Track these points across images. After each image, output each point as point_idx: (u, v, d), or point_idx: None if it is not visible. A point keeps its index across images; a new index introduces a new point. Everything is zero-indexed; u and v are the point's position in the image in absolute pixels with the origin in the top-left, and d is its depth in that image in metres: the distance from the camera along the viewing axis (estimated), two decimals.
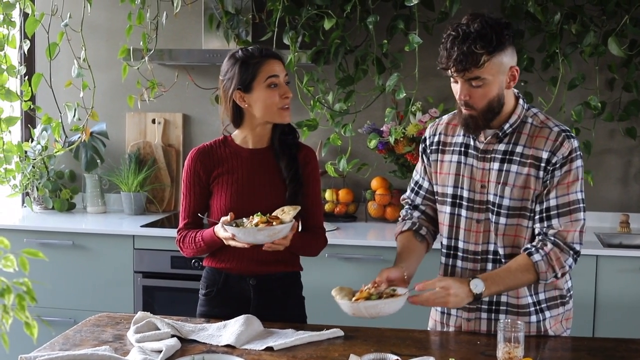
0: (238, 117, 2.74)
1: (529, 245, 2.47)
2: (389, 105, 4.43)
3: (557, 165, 2.44)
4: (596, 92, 4.24)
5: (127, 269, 4.21)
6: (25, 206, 4.94)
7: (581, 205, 2.47)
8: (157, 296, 4.18)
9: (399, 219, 2.78)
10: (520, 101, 2.52)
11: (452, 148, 2.62)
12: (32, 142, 4.80)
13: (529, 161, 2.46)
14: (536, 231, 2.49)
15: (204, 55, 4.49)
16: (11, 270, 1.39)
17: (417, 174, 2.76)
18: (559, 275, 2.45)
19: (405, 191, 2.82)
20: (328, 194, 4.57)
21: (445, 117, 2.70)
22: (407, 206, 2.79)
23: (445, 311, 2.67)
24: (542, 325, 2.56)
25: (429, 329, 2.75)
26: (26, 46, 4.47)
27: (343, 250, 4.00)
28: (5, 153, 4.59)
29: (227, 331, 2.50)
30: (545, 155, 2.45)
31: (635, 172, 4.49)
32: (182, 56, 4.55)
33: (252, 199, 2.70)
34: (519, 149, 2.48)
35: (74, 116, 4.38)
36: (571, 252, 2.45)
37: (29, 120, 4.99)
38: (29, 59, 4.87)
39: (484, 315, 2.58)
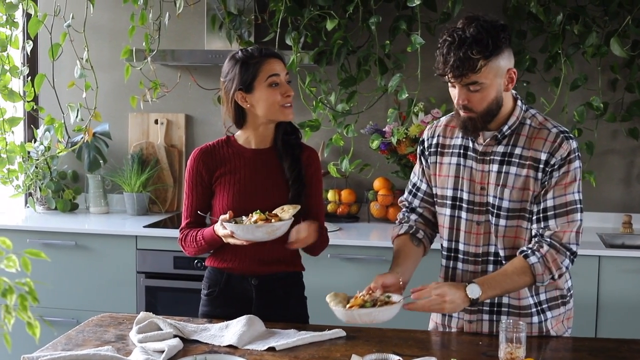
0: (240, 117, 2.74)
1: (524, 248, 2.46)
2: (392, 106, 4.43)
3: (556, 167, 2.43)
4: (598, 92, 4.24)
5: (129, 270, 4.22)
6: (28, 206, 4.94)
7: (578, 206, 2.47)
8: (160, 296, 4.19)
9: (396, 222, 2.77)
10: (519, 102, 2.52)
11: (451, 150, 2.61)
12: (34, 142, 4.81)
13: (527, 162, 2.46)
14: (533, 232, 2.48)
15: (207, 56, 4.49)
16: (13, 270, 1.39)
17: (415, 176, 2.75)
18: (556, 276, 2.45)
19: None
20: (330, 195, 4.57)
21: (444, 119, 2.70)
22: (404, 209, 2.78)
23: (447, 313, 2.67)
24: (544, 326, 2.56)
25: (429, 330, 2.75)
26: (29, 47, 4.48)
27: (345, 251, 4.00)
28: (8, 153, 4.59)
29: (230, 331, 2.50)
30: (543, 156, 2.44)
31: (638, 172, 4.48)
32: (185, 57, 4.55)
33: (254, 199, 2.70)
34: (517, 151, 2.48)
35: (77, 117, 4.38)
36: (568, 253, 2.44)
37: (32, 120, 5.00)
38: (31, 60, 4.88)
39: (486, 316, 2.58)
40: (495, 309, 2.56)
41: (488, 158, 2.52)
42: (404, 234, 2.68)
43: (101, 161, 4.80)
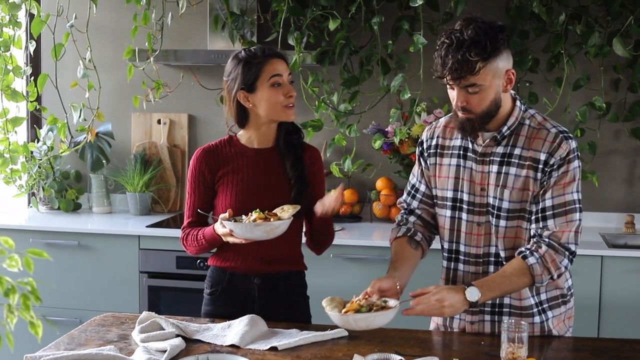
0: (243, 117, 2.75)
1: (523, 248, 2.45)
2: (394, 106, 4.44)
3: (555, 167, 2.43)
4: (601, 92, 4.23)
5: (132, 269, 4.23)
6: (31, 206, 4.95)
7: (577, 205, 2.46)
8: (163, 296, 4.19)
9: (395, 224, 2.76)
10: (518, 103, 2.51)
11: (450, 151, 2.61)
12: (38, 142, 4.82)
13: (527, 163, 2.46)
14: (531, 232, 2.48)
15: (209, 56, 4.50)
16: (16, 270, 1.40)
17: (413, 177, 2.74)
18: (555, 276, 2.44)
19: None
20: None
21: (442, 120, 2.69)
22: (402, 211, 2.77)
23: (447, 317, 2.66)
24: (546, 325, 2.56)
25: (431, 330, 2.75)
26: (32, 47, 4.49)
27: (348, 251, 4.00)
28: (11, 153, 4.60)
29: (232, 331, 2.50)
30: (543, 156, 2.44)
31: None
32: (188, 57, 4.56)
33: (257, 199, 2.70)
34: (517, 151, 2.48)
35: (80, 117, 4.39)
36: (566, 252, 2.43)
37: (35, 120, 5.01)
38: (34, 60, 4.89)
39: (487, 317, 2.57)
40: (496, 309, 2.56)
41: (488, 159, 2.51)
42: (401, 237, 2.67)
43: (104, 161, 4.80)
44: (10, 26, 4.44)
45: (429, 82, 4.17)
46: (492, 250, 2.54)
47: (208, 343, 2.45)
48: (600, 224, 4.44)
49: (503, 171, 2.48)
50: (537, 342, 2.47)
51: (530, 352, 2.28)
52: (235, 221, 2.58)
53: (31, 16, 4.47)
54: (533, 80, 4.32)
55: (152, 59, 4.36)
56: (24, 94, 4.62)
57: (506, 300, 2.54)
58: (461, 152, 2.57)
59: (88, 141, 4.59)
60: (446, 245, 2.64)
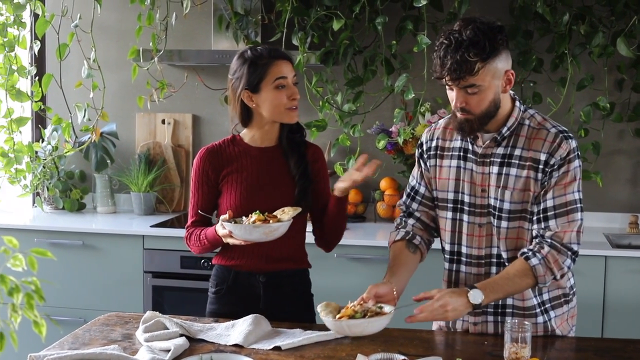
0: (246, 116, 2.76)
1: (525, 249, 2.44)
2: (398, 106, 4.44)
3: (555, 167, 2.42)
4: (605, 92, 4.23)
5: (136, 269, 4.23)
6: (35, 206, 4.96)
7: (578, 205, 2.45)
8: (167, 296, 4.20)
9: (394, 227, 2.75)
10: (517, 103, 2.50)
11: (450, 153, 2.60)
12: (42, 142, 4.82)
13: (527, 164, 2.45)
14: (533, 233, 2.47)
15: (214, 56, 4.51)
16: (20, 269, 1.40)
17: (413, 179, 2.73)
18: (558, 277, 2.43)
19: None
20: None
21: (442, 122, 2.68)
22: (402, 213, 2.75)
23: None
24: (549, 325, 2.55)
25: (434, 330, 2.75)
26: (36, 47, 4.50)
27: (352, 251, 4.01)
28: (15, 153, 4.61)
29: (235, 331, 2.51)
30: (543, 157, 2.43)
31: None
32: (192, 57, 4.57)
33: (261, 197, 2.72)
34: (517, 152, 2.47)
35: (84, 116, 4.41)
36: (569, 252, 2.43)
37: (40, 120, 5.02)
38: (39, 60, 4.89)
39: (491, 318, 2.57)
40: (499, 310, 2.55)
41: (488, 160, 2.51)
42: (399, 240, 2.65)
43: (108, 161, 4.81)
44: (15, 26, 4.45)
45: (432, 82, 4.15)
46: (494, 251, 2.53)
47: (212, 343, 2.46)
48: (604, 224, 4.43)
49: (504, 172, 2.48)
50: (540, 342, 2.47)
51: (534, 352, 2.28)
52: (235, 222, 2.59)
53: (36, 16, 4.48)
54: (537, 81, 4.32)
55: (156, 59, 4.37)
56: (29, 94, 4.63)
57: (509, 301, 2.54)
58: (461, 154, 2.57)
59: (92, 141, 4.60)
60: (447, 247, 2.63)
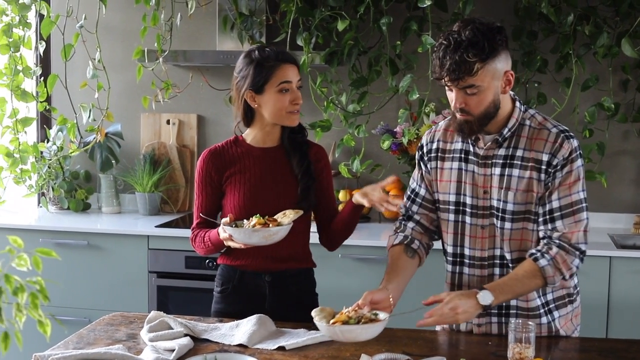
0: (249, 115, 2.77)
1: (534, 250, 2.44)
2: (403, 106, 4.44)
3: (558, 167, 2.42)
4: (610, 93, 4.23)
5: (141, 269, 4.24)
6: (40, 206, 4.97)
7: (584, 204, 2.45)
8: (171, 296, 4.21)
9: (392, 230, 2.74)
10: (517, 104, 2.50)
11: (451, 155, 2.59)
12: (47, 142, 4.83)
13: (530, 164, 2.45)
14: (540, 234, 2.46)
15: (218, 57, 4.51)
16: (25, 269, 1.41)
17: (413, 182, 2.72)
18: (567, 277, 2.43)
19: None
20: (342, 195, 4.58)
21: (442, 124, 2.67)
22: (401, 217, 2.74)
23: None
24: (553, 326, 2.55)
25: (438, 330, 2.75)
26: (42, 47, 4.51)
27: (356, 251, 4.01)
28: (21, 153, 4.62)
29: (240, 331, 2.51)
30: (545, 157, 2.43)
31: None
32: (197, 57, 4.57)
33: (264, 197, 2.73)
34: (519, 153, 2.46)
35: (89, 117, 4.41)
36: (577, 252, 2.42)
37: (45, 121, 5.03)
38: (44, 60, 4.91)
39: (494, 319, 2.56)
40: (503, 311, 2.54)
41: (490, 162, 2.50)
42: (398, 245, 2.64)
43: (113, 161, 4.82)
44: (20, 27, 4.47)
45: (437, 83, 4.17)
46: (497, 252, 2.53)
47: (216, 342, 2.46)
48: (608, 224, 4.43)
49: (506, 173, 2.47)
50: (544, 343, 2.47)
51: (538, 352, 2.28)
52: (236, 226, 2.59)
53: (41, 17, 4.49)
54: (542, 81, 4.32)
55: (161, 59, 4.37)
56: (34, 94, 4.64)
57: (513, 302, 2.53)
58: (462, 156, 2.56)
59: (97, 141, 4.61)
60: (450, 249, 2.62)
